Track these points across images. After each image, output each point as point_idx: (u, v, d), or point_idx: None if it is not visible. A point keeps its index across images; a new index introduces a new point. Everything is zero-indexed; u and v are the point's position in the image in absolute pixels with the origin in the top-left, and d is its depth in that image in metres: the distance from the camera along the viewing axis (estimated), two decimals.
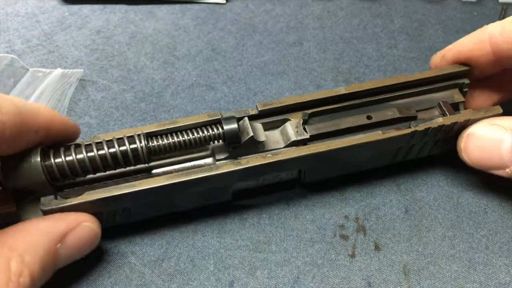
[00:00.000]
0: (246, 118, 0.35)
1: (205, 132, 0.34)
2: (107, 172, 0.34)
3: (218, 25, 0.49)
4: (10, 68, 0.45)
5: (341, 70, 0.48)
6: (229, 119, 0.34)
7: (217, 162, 0.35)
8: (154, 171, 0.35)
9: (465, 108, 0.39)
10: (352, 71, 0.48)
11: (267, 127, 0.37)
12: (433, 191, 0.40)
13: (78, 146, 0.32)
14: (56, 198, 0.32)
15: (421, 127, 0.35)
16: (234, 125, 0.33)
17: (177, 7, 0.50)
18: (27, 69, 0.45)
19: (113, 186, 0.32)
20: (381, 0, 0.52)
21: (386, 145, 0.36)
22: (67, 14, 0.48)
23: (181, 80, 0.46)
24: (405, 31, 0.50)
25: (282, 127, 0.36)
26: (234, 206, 0.39)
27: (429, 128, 0.35)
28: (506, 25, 0.34)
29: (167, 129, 0.34)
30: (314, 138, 0.36)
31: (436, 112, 0.38)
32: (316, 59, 0.48)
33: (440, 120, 0.35)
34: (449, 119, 0.35)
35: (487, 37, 0.35)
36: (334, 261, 0.37)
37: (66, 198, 0.32)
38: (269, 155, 0.34)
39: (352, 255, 0.37)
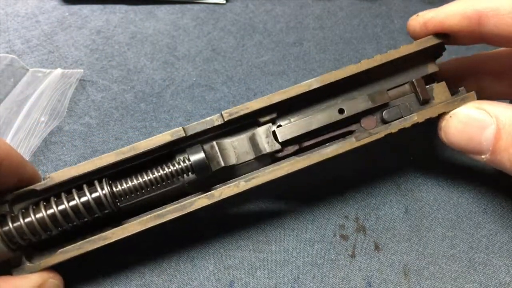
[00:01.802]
0: (214, 144, 0.33)
1: (171, 167, 0.31)
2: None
3: (218, 25, 0.49)
4: (10, 68, 0.45)
5: None
6: (195, 149, 0.32)
7: (188, 200, 0.32)
8: (123, 205, 0.33)
9: (439, 80, 0.36)
10: None
11: (235, 131, 0.35)
12: (433, 191, 0.40)
13: (36, 204, 0.30)
14: (27, 259, 0.30)
15: (394, 128, 0.34)
16: (201, 155, 0.31)
17: (177, 7, 0.50)
18: (27, 69, 0.45)
19: (85, 241, 0.31)
20: (381, 0, 0.52)
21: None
22: (67, 14, 0.48)
23: (181, 80, 0.46)
24: (405, 31, 0.50)
25: (251, 134, 0.34)
26: (233, 207, 0.39)
27: (403, 128, 0.34)
28: (500, 6, 0.31)
29: (128, 159, 0.32)
30: (286, 144, 0.34)
31: (408, 88, 0.36)
32: (316, 59, 0.48)
33: (414, 118, 0.34)
34: (422, 115, 0.34)
35: (477, 14, 0.32)
36: (334, 261, 0.37)
37: (39, 258, 0.31)
38: (243, 182, 0.32)
39: (352, 255, 0.37)
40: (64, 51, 0.46)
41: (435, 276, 0.36)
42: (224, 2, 0.51)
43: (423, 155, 0.42)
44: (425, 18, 0.35)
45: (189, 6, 0.50)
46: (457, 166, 0.41)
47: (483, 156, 0.32)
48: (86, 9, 0.49)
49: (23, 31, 0.47)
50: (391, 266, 0.37)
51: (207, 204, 0.32)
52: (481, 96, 0.40)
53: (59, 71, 0.45)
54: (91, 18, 0.48)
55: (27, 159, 0.40)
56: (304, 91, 0.33)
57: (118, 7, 0.49)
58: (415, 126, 0.34)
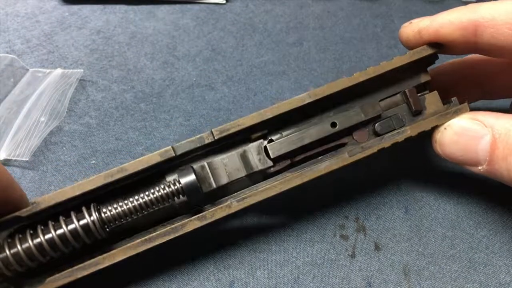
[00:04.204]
0: (205, 164, 0.33)
1: (162, 191, 0.31)
2: None
3: (218, 25, 0.49)
4: (10, 68, 0.45)
5: (341, 70, 0.48)
6: (185, 171, 0.31)
7: (180, 222, 0.31)
8: (112, 228, 0.32)
9: (432, 88, 0.36)
10: (352, 71, 0.47)
11: (226, 148, 0.34)
12: (433, 191, 0.40)
13: (22, 233, 0.29)
14: None
15: (387, 143, 0.33)
16: (191, 177, 0.31)
17: (177, 7, 0.50)
18: (27, 69, 0.45)
19: (75, 268, 0.30)
20: (381, 0, 0.52)
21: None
22: (67, 14, 0.48)
23: (181, 80, 0.46)
24: None
25: (242, 150, 0.34)
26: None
27: (396, 142, 0.33)
28: (497, 16, 0.31)
29: (117, 181, 0.31)
30: (277, 160, 0.33)
31: (400, 98, 0.35)
32: (316, 59, 0.48)
33: (407, 132, 0.33)
34: (415, 129, 0.33)
35: (474, 23, 0.31)
36: (334, 261, 0.37)
37: (27, 287, 0.30)
38: (235, 202, 0.32)
39: (352, 255, 0.37)
40: (64, 51, 0.46)
41: (435, 276, 0.36)
42: (224, 2, 0.51)
43: (423, 155, 0.42)
44: (420, 27, 0.34)
45: (189, 6, 0.50)
46: (457, 166, 0.41)
47: (480, 167, 0.32)
48: (86, 9, 0.49)
49: (23, 31, 0.47)
50: (391, 266, 0.37)
51: (198, 226, 0.31)
52: (481, 96, 0.40)
53: (59, 71, 0.45)
54: (91, 18, 0.48)
55: (27, 159, 0.40)
56: (296, 106, 0.33)
57: (118, 7, 0.49)
58: (408, 139, 0.34)
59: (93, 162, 0.41)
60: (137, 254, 0.31)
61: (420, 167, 0.41)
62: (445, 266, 0.36)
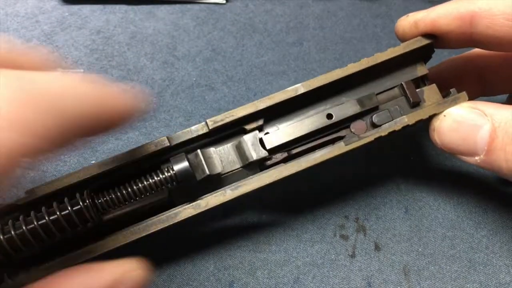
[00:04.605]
0: (198, 152, 0.32)
1: (155, 177, 0.31)
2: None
3: (218, 25, 0.49)
4: None
5: None
6: (178, 158, 0.31)
7: (174, 211, 0.32)
8: (106, 217, 0.32)
9: (429, 83, 0.36)
10: None
11: (221, 140, 0.34)
12: (433, 190, 0.40)
13: (16, 219, 0.29)
14: (8, 276, 0.29)
15: (384, 131, 0.33)
16: (184, 164, 0.31)
17: (177, 7, 0.50)
18: None
19: (68, 255, 0.30)
20: (381, 0, 0.52)
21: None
22: (67, 14, 0.48)
23: (181, 80, 0.46)
24: None
25: (237, 142, 0.34)
26: (233, 206, 0.39)
27: (393, 131, 0.33)
28: (493, 7, 0.30)
29: (112, 171, 0.31)
30: (273, 152, 0.33)
31: (398, 91, 0.35)
32: (316, 59, 0.48)
33: (404, 121, 0.33)
34: (413, 117, 0.33)
35: (470, 14, 0.31)
36: (334, 261, 0.37)
37: (21, 274, 0.30)
38: (229, 190, 0.32)
39: (352, 255, 0.37)
40: (64, 51, 0.46)
41: (435, 276, 0.36)
42: (224, 2, 0.51)
43: (423, 154, 0.42)
44: (416, 18, 0.34)
45: (189, 6, 0.50)
46: (457, 166, 0.41)
47: (476, 158, 0.31)
48: (86, 9, 0.49)
49: (23, 31, 0.47)
50: (391, 266, 0.37)
51: (193, 214, 0.31)
52: (481, 93, 0.39)
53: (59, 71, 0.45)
54: (91, 18, 0.48)
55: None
56: (290, 97, 0.33)
57: (118, 7, 0.49)
58: (406, 128, 0.33)
59: (93, 162, 0.41)
60: (135, 243, 0.31)
61: (420, 167, 0.41)
62: (445, 266, 0.36)
